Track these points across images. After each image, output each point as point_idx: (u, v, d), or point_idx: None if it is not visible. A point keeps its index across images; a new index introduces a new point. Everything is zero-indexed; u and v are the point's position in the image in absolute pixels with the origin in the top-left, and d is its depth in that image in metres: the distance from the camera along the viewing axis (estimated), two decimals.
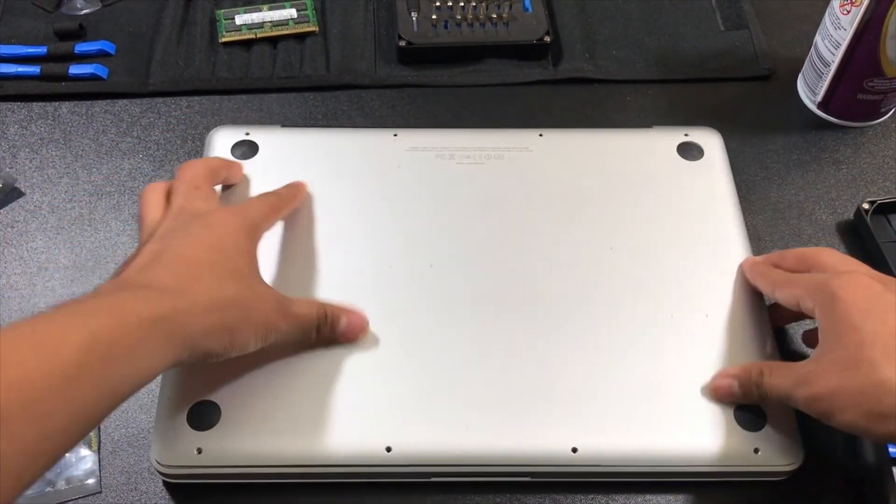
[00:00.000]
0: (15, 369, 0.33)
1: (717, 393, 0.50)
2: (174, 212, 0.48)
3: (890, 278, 0.46)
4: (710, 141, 0.61)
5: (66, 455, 0.50)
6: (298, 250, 0.55)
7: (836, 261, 0.49)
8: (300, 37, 0.71)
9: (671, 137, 0.61)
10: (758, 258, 0.54)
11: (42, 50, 0.68)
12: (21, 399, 0.33)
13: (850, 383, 0.42)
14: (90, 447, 0.51)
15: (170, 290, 0.42)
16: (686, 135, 0.61)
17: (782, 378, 0.47)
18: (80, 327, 0.36)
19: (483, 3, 0.71)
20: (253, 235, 0.49)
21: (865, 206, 0.60)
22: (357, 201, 0.57)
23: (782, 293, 0.50)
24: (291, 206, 0.55)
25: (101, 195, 0.62)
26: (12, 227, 0.60)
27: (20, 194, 0.62)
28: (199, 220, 0.47)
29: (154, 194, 0.50)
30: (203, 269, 0.44)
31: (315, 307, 0.49)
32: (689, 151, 0.61)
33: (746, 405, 0.49)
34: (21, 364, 0.34)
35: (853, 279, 0.45)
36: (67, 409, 0.35)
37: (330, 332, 0.50)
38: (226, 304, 0.43)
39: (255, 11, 0.71)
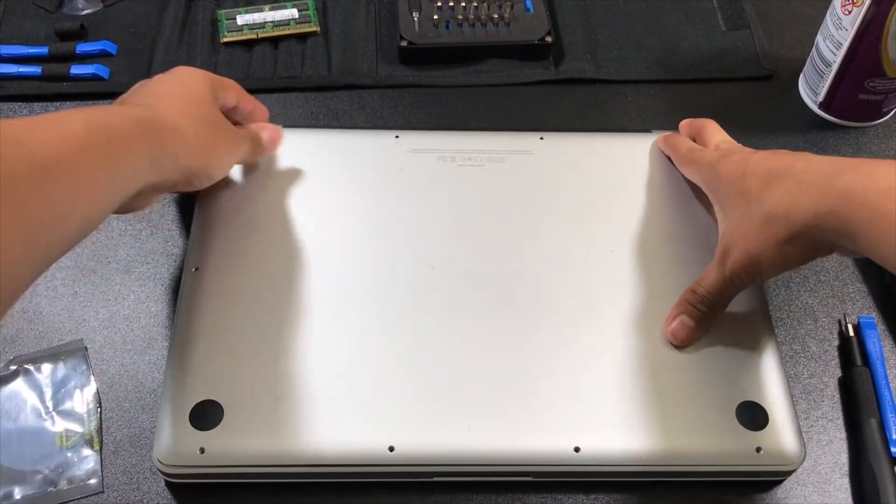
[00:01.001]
0: (37, 135, 0.38)
1: (678, 337, 0.52)
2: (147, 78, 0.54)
3: (757, 151, 0.52)
4: None
5: (69, 455, 0.50)
6: (300, 251, 0.55)
7: (714, 145, 0.57)
8: (302, 37, 0.71)
9: None
10: (673, 133, 0.61)
11: (43, 50, 0.68)
12: (44, 162, 0.38)
13: (751, 231, 0.48)
14: (92, 447, 0.51)
15: (149, 106, 0.48)
16: None
17: (710, 275, 0.51)
18: (82, 116, 0.42)
19: (484, 4, 0.71)
20: (212, 86, 0.53)
21: None
22: (358, 203, 0.57)
23: (686, 171, 0.58)
24: (245, 96, 0.57)
25: None
26: None
27: None
28: (163, 74, 0.53)
29: None
30: (174, 97, 0.50)
31: (244, 133, 0.55)
32: None
33: (748, 402, 0.50)
34: (41, 133, 0.39)
35: (730, 157, 0.52)
36: (81, 183, 0.40)
37: (260, 150, 0.57)
38: (204, 123, 0.50)
39: (257, 11, 0.71)
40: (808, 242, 0.46)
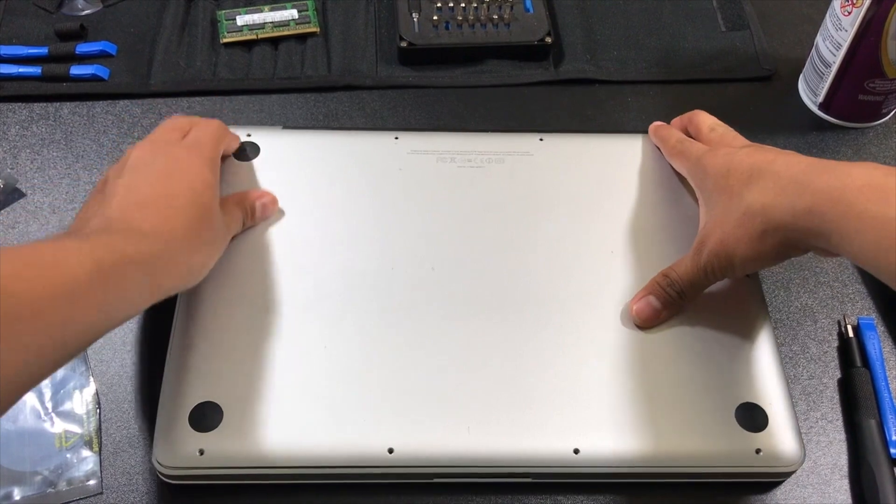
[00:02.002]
0: (27, 283, 0.37)
1: (641, 317, 0.52)
2: (146, 142, 0.51)
3: (751, 144, 0.53)
4: None
5: (68, 456, 0.50)
6: (300, 253, 0.55)
7: (708, 128, 0.57)
8: (301, 37, 0.71)
9: None
10: (663, 123, 0.62)
11: (43, 50, 0.68)
12: (32, 309, 0.37)
13: (729, 224, 0.49)
14: (91, 448, 0.51)
15: (151, 235, 0.45)
16: None
17: (684, 263, 0.52)
18: (85, 258, 0.40)
19: (484, 4, 0.71)
20: (212, 167, 0.52)
21: None
22: (358, 204, 0.57)
23: (674, 162, 0.59)
24: (232, 143, 0.58)
25: None
26: (13, 228, 0.60)
27: (21, 195, 0.62)
28: (164, 157, 0.50)
29: None
30: (179, 210, 0.47)
31: (238, 211, 0.54)
32: None
33: (747, 404, 0.50)
34: (33, 280, 0.38)
35: (716, 152, 0.53)
36: (69, 325, 0.39)
37: (251, 221, 0.55)
38: (199, 245, 0.48)
39: (257, 12, 0.71)
40: (783, 240, 0.47)
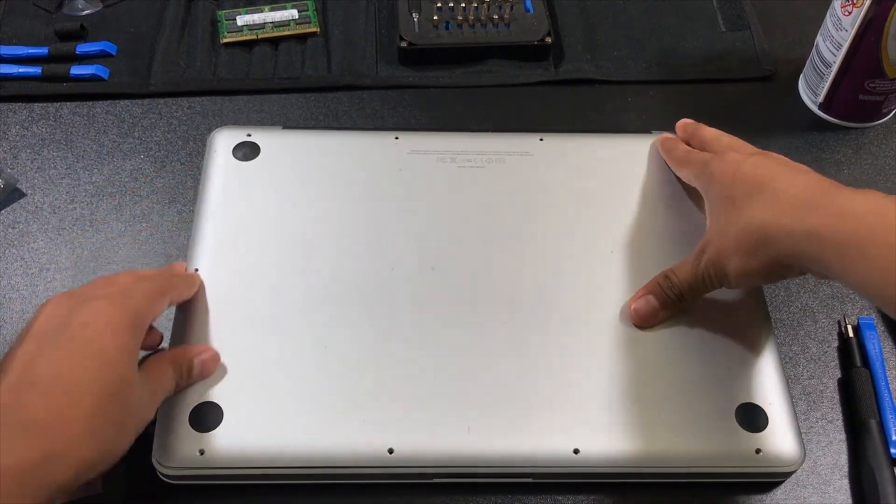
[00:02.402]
0: None
1: (639, 315, 0.52)
2: (61, 297, 0.45)
3: (760, 151, 0.52)
4: None
5: None
6: (299, 252, 0.55)
7: (713, 137, 0.57)
8: (301, 38, 0.71)
9: None
10: (670, 135, 0.61)
11: (43, 51, 0.68)
12: None
13: (728, 235, 0.49)
14: None
15: (44, 427, 0.39)
16: None
17: (686, 266, 0.52)
18: None
19: (484, 4, 0.71)
20: (135, 327, 0.45)
21: None
22: (358, 204, 0.57)
23: (681, 172, 0.58)
24: (182, 292, 0.51)
25: (103, 196, 0.62)
26: (13, 228, 0.60)
27: (21, 195, 0.62)
28: (75, 317, 0.43)
29: None
30: (80, 393, 0.41)
31: (170, 372, 0.47)
32: None
33: (747, 404, 0.50)
34: None
35: (724, 157, 0.52)
36: None
37: (187, 381, 0.49)
38: (105, 430, 0.41)
39: (257, 12, 0.71)
40: (778, 259, 0.46)
